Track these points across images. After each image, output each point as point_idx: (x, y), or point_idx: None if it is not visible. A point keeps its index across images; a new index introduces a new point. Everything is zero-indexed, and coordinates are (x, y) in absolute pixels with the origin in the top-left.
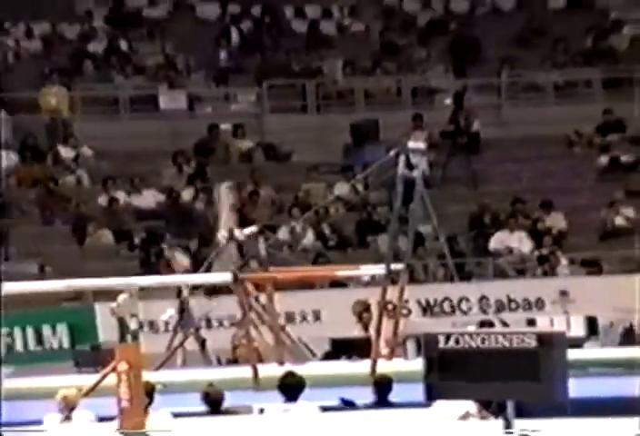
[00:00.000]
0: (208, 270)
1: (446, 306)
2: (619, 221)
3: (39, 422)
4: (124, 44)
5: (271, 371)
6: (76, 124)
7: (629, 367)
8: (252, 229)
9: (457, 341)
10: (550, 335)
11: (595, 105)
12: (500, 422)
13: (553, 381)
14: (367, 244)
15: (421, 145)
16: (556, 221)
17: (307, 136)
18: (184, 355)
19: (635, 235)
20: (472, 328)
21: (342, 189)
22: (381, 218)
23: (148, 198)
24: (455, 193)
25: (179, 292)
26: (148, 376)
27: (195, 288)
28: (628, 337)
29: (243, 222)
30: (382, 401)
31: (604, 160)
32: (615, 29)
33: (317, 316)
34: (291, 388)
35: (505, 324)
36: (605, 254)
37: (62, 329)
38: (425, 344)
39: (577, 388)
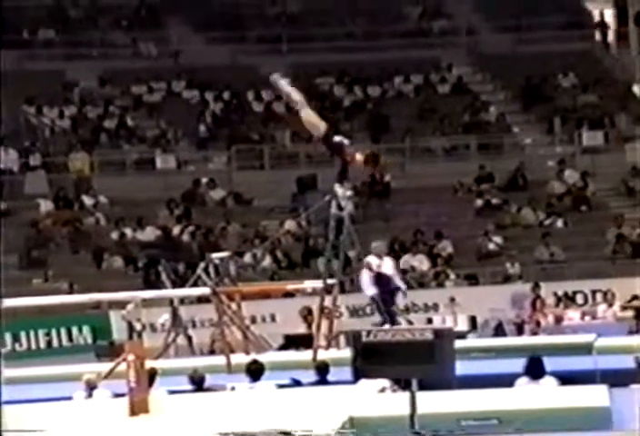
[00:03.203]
0: (194, 285)
1: (368, 310)
2: (491, 246)
3: (69, 398)
4: (130, 121)
5: (239, 359)
6: (95, 180)
7: (499, 352)
8: (224, 254)
9: (375, 336)
10: (442, 330)
11: (473, 163)
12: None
13: (444, 364)
14: (309, 265)
15: (348, 192)
16: (446, 247)
17: (264, 187)
18: (175, 348)
19: (502, 257)
20: (386, 326)
21: (290, 225)
22: (319, 246)
23: (148, 233)
24: (373, 227)
25: (171, 301)
26: (150, 364)
27: (182, 299)
28: (499, 331)
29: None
30: (322, 380)
31: (479, 202)
32: (484, 108)
33: (273, 318)
34: (254, 371)
35: (410, 322)
36: (481, 271)
37: (86, 329)
38: (353, 338)
39: (462, 368)
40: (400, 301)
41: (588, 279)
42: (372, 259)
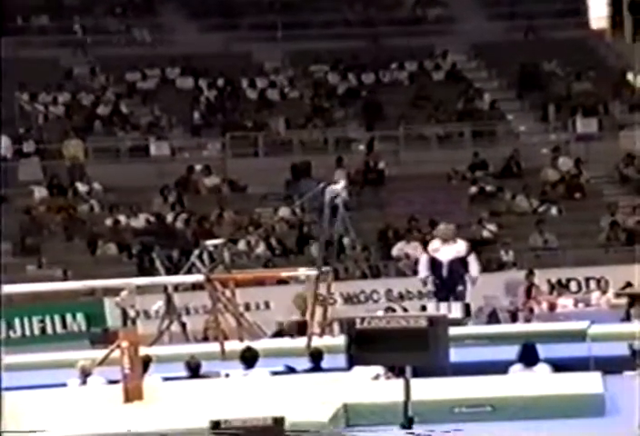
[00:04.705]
0: (188, 272)
1: (362, 297)
2: (485, 234)
3: (64, 385)
4: (124, 108)
5: (234, 346)
6: (89, 167)
7: (493, 339)
8: (218, 241)
9: (369, 323)
10: (436, 317)
11: (467, 150)
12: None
13: (438, 351)
14: (303, 252)
15: (342, 180)
16: None
17: (259, 174)
18: (170, 335)
19: (496, 244)
20: (380, 313)
21: (285, 212)
22: (313, 233)
23: (142, 220)
24: (367, 215)
25: (165, 288)
26: (144, 351)
27: (176, 286)
28: (492, 318)
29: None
30: (316, 367)
31: (473, 190)
32: (479, 95)
33: (267, 305)
34: (249, 358)
35: (404, 310)
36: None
37: (80, 317)
38: (346, 325)
39: (456, 355)
40: (468, 287)
41: (582, 266)
42: (433, 242)
